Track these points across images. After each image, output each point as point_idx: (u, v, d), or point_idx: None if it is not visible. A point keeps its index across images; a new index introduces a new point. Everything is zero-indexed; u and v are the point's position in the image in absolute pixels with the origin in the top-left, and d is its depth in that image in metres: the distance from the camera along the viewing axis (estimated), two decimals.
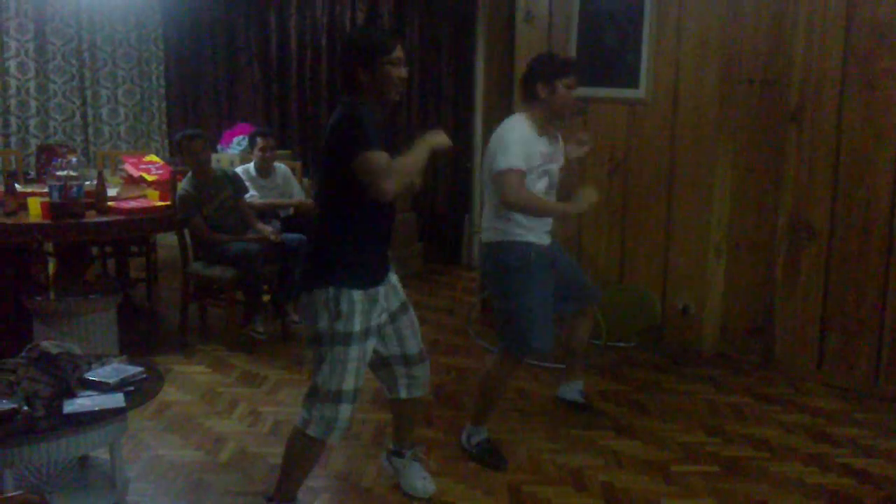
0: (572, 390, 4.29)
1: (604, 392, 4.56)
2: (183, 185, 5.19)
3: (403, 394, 3.24)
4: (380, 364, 3.18)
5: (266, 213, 5.77)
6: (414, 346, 3.18)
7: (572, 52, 5.29)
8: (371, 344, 2.98)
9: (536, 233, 3.61)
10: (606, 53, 5.19)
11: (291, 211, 5.94)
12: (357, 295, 2.87)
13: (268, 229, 5.36)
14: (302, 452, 3.02)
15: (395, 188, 2.76)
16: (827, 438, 4.02)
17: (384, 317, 3.02)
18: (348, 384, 2.90)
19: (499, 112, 5.79)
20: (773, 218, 4.79)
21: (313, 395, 2.94)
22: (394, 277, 3.12)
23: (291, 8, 7.73)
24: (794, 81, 4.63)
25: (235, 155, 6.95)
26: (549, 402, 4.40)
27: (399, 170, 2.78)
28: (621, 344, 5.19)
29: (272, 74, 7.89)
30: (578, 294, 3.99)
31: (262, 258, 5.13)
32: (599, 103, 5.20)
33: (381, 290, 2.98)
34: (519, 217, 3.54)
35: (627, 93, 5.11)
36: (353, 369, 2.89)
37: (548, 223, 3.68)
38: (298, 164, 6.47)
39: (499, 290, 3.68)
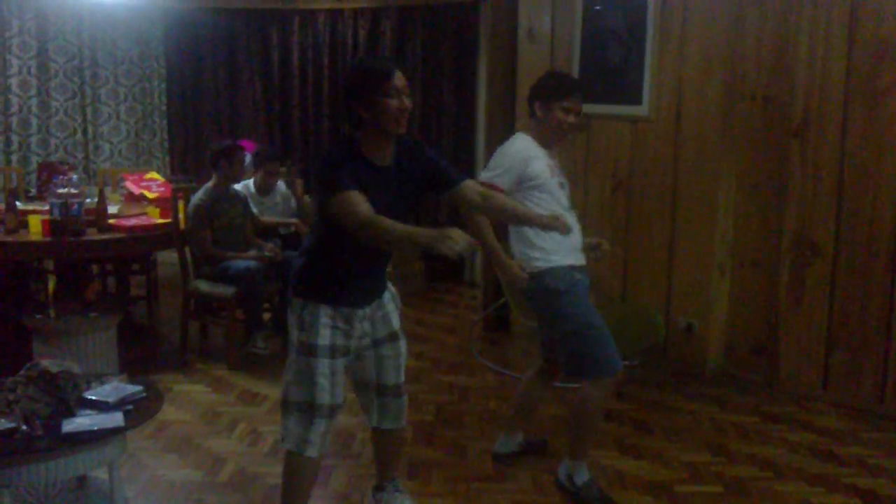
0: (511, 443, 3.90)
1: (607, 411, 4.51)
2: (199, 196, 5.20)
3: (374, 422, 3.17)
4: (357, 387, 3.14)
5: (267, 231, 5.75)
6: (392, 377, 3.08)
7: (575, 69, 5.29)
8: (343, 363, 2.90)
9: (566, 254, 3.47)
10: (609, 71, 5.19)
11: (292, 229, 5.92)
12: (324, 310, 2.83)
13: (267, 245, 5.35)
14: (289, 470, 2.98)
15: (366, 242, 2.67)
16: (833, 458, 3.99)
17: (365, 341, 2.97)
18: (321, 398, 2.84)
19: (501, 130, 5.81)
20: (777, 235, 4.77)
21: (284, 407, 2.91)
22: (389, 307, 3.04)
23: (293, 25, 7.75)
24: (797, 98, 4.62)
25: None
26: (552, 421, 4.36)
27: (383, 227, 2.60)
28: (624, 362, 5.13)
29: (274, 91, 7.90)
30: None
31: (263, 276, 5.12)
32: (602, 120, 5.20)
33: (360, 313, 2.90)
34: (546, 242, 3.43)
35: (630, 110, 5.11)
36: (324, 384, 2.83)
37: (570, 242, 3.47)
38: (301, 182, 6.46)
39: (555, 315, 3.50)
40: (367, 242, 2.68)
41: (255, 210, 5.67)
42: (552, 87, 3.52)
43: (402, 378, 3.11)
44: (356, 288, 2.88)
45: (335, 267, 2.84)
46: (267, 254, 5.27)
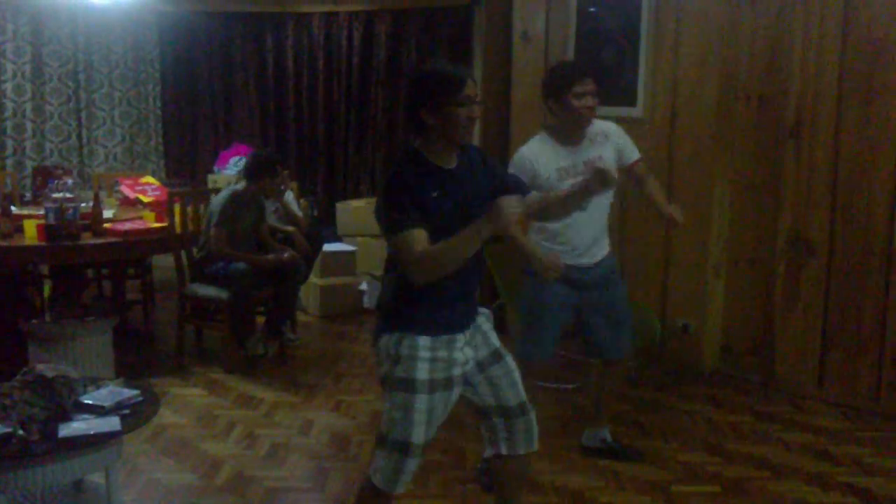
0: (593, 437, 3.99)
1: None
2: (226, 196, 5.18)
3: (504, 449, 2.87)
4: (479, 415, 2.88)
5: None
6: (511, 397, 2.82)
7: None
8: (450, 396, 2.71)
9: (566, 254, 3.48)
10: (603, 72, 5.17)
11: (287, 233, 5.91)
12: (422, 341, 2.64)
13: (285, 254, 5.36)
14: (366, 500, 2.80)
15: (428, 279, 2.55)
16: (829, 457, 3.99)
17: (469, 367, 2.75)
18: (417, 437, 2.65)
19: (495, 132, 5.81)
20: (772, 234, 4.78)
21: (381, 443, 2.72)
22: (486, 325, 2.84)
23: (288, 28, 7.74)
24: (791, 97, 4.63)
25: (232, 175, 6.93)
26: (549, 422, 4.35)
27: (433, 260, 2.53)
28: None
29: (269, 95, 7.88)
30: (597, 343, 3.79)
31: (253, 278, 5.10)
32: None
33: (461, 339, 2.71)
34: (549, 233, 3.54)
35: (625, 111, 5.09)
36: (420, 421, 2.64)
37: (587, 246, 3.59)
38: (296, 185, 6.45)
39: (517, 288, 3.72)
40: (429, 277, 2.57)
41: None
42: (558, 79, 3.52)
43: (524, 395, 2.85)
44: (453, 310, 2.70)
45: (427, 292, 2.63)
46: (268, 257, 5.26)
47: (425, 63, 2.79)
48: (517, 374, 2.85)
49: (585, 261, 3.61)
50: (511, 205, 2.47)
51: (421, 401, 2.64)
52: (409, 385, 2.64)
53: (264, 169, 5.23)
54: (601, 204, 3.61)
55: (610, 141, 3.65)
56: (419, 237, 2.53)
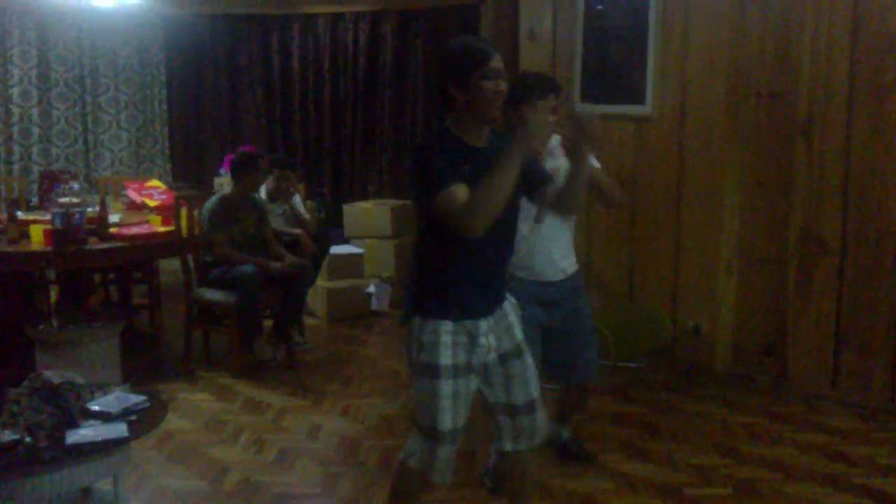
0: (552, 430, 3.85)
1: (615, 414, 4.49)
2: (214, 201, 5.24)
3: (508, 446, 2.87)
4: (488, 411, 2.87)
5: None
6: (521, 395, 2.80)
7: (577, 69, 5.26)
8: (470, 383, 2.71)
9: (524, 269, 3.44)
10: (612, 70, 5.16)
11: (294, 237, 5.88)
12: (444, 326, 2.65)
13: (288, 257, 5.34)
14: (403, 482, 2.85)
15: (482, 223, 2.48)
16: (843, 458, 3.95)
17: (491, 357, 2.75)
18: (444, 423, 2.66)
19: (501, 128, 5.79)
20: (784, 233, 4.73)
21: (413, 428, 2.77)
22: (512, 316, 2.82)
23: (293, 30, 7.73)
24: (801, 94, 4.59)
25: None
26: None
27: (479, 201, 2.47)
28: (631, 364, 5.12)
29: (275, 97, 7.88)
30: (562, 363, 3.64)
31: (261, 282, 5.08)
32: (606, 120, 5.15)
33: (484, 325, 2.70)
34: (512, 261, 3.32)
35: (634, 109, 5.08)
36: (447, 407, 2.66)
37: (550, 263, 3.50)
38: (303, 187, 6.43)
39: None
40: (482, 222, 2.48)
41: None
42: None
43: (535, 393, 2.83)
44: (477, 295, 2.70)
45: (451, 276, 2.66)
46: (274, 265, 5.23)
47: (454, 40, 2.77)
48: (532, 372, 2.84)
49: (550, 278, 3.52)
50: (541, 119, 2.38)
51: (446, 386, 2.65)
52: (433, 371, 2.65)
53: (245, 166, 5.28)
54: (563, 223, 3.50)
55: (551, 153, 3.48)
56: (461, 190, 2.50)
